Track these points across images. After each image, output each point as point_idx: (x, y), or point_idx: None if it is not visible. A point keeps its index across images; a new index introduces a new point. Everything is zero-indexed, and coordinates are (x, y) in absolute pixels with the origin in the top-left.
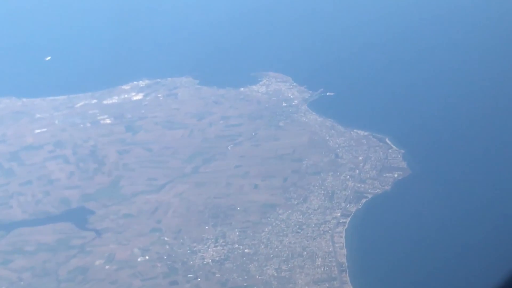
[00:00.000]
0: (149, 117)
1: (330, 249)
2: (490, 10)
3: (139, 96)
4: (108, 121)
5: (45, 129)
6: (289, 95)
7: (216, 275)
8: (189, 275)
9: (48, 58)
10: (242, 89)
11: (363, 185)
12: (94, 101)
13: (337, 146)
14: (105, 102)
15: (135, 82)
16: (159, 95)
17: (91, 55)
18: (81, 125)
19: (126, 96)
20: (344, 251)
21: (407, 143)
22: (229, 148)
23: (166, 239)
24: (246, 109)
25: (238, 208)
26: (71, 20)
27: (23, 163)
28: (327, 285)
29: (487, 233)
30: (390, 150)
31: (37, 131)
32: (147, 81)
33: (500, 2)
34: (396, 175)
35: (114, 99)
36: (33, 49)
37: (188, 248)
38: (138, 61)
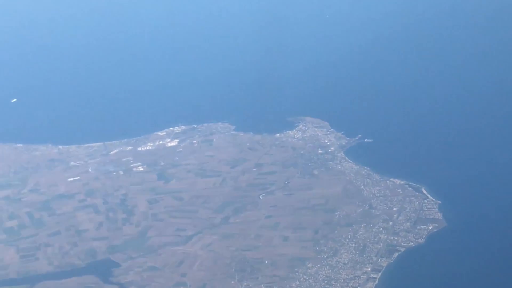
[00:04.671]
0: (182, 165)
1: None
2: None
3: (173, 143)
4: (141, 168)
5: (78, 177)
6: (326, 141)
7: None
8: None
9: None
10: (278, 135)
11: (396, 238)
12: (129, 148)
13: (371, 196)
14: (139, 149)
15: (171, 128)
16: (194, 141)
17: (129, 101)
18: (114, 173)
19: (160, 142)
20: None
21: (444, 193)
22: (260, 197)
23: None
24: (280, 156)
25: (266, 262)
26: (110, 67)
27: (53, 213)
28: None
29: None
30: (426, 201)
31: (70, 179)
32: (183, 127)
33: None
34: (431, 227)
35: (149, 146)
36: (70, 96)
37: None
38: (175, 107)
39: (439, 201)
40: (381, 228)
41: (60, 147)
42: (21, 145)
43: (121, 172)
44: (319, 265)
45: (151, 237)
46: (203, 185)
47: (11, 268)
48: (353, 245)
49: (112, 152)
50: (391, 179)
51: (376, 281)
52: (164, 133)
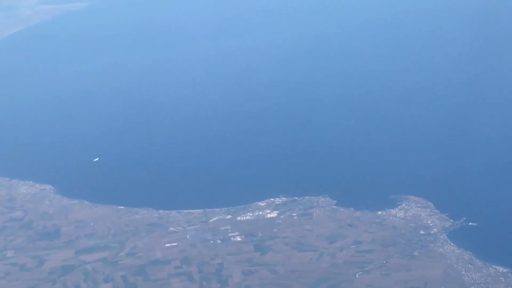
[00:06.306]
0: (279, 237)
1: None
2: None
3: (273, 214)
4: (238, 238)
5: (175, 244)
6: (428, 222)
7: None
8: None
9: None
10: (379, 212)
11: None
12: (229, 216)
13: (472, 282)
14: (238, 218)
15: (271, 199)
16: (294, 214)
17: (233, 169)
18: (211, 242)
19: (260, 213)
20: None
21: None
22: (357, 276)
23: None
24: (380, 235)
25: None
26: (218, 135)
27: (148, 278)
28: None
29: None
30: None
31: (167, 245)
32: (284, 199)
33: None
34: None
35: (248, 216)
36: (174, 162)
37: None
38: (278, 177)
39: None
40: None
41: (161, 211)
42: (122, 207)
43: (219, 241)
44: None
45: None
46: (299, 259)
47: None
48: None
49: (211, 220)
50: (494, 266)
51: None
52: (265, 203)
